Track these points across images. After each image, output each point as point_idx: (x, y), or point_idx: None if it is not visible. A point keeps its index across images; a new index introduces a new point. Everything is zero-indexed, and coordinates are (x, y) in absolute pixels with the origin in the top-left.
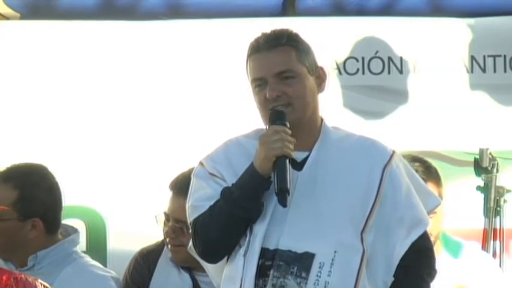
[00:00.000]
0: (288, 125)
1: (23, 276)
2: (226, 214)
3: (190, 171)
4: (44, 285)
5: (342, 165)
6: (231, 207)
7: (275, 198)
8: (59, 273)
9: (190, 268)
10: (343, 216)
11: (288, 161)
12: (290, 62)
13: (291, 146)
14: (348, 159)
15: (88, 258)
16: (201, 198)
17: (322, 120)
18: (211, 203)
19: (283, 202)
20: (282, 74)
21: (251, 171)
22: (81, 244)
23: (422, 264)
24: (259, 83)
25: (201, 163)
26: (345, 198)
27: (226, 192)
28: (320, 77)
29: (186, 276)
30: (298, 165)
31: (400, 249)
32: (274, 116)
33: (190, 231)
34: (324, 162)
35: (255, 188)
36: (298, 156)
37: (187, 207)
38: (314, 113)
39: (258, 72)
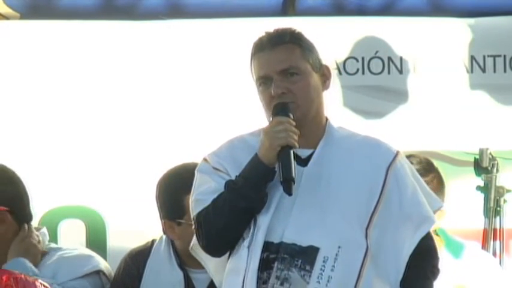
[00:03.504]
0: (291, 116)
1: (22, 276)
2: (230, 205)
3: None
4: (43, 285)
5: (347, 163)
6: (235, 198)
7: (280, 190)
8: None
9: (184, 264)
10: (348, 212)
11: (292, 151)
12: (294, 59)
13: (295, 137)
14: (353, 157)
15: (65, 246)
16: (205, 192)
17: (327, 119)
18: (215, 196)
19: (288, 191)
20: (286, 71)
21: (255, 161)
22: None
23: (427, 264)
24: (264, 81)
25: (204, 159)
26: (350, 194)
27: (230, 183)
28: (325, 74)
29: (178, 272)
30: (303, 162)
31: (410, 245)
32: (278, 108)
33: (193, 226)
34: (328, 159)
35: (259, 178)
36: (303, 153)
37: (190, 202)
38: (319, 110)
39: (262, 70)
